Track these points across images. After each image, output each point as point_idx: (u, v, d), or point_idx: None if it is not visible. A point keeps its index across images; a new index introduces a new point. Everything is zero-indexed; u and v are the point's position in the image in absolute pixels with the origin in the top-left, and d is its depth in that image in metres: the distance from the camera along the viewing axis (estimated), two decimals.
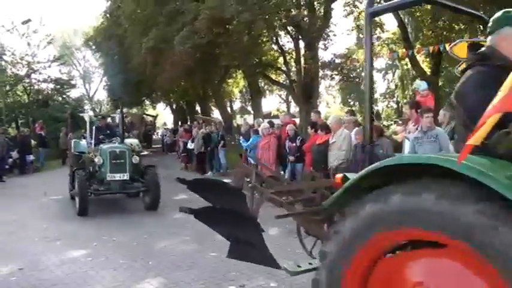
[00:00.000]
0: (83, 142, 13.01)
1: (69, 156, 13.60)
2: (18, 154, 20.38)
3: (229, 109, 42.49)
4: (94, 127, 12.78)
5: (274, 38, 24.86)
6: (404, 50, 20.53)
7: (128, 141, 12.76)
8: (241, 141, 13.77)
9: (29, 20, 28.19)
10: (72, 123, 14.36)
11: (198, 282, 5.97)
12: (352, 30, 26.95)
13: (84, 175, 10.73)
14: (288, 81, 26.52)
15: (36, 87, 34.29)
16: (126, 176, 10.87)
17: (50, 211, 11.40)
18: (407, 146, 8.55)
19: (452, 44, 8.63)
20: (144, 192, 11.31)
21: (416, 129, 8.08)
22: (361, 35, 26.79)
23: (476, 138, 2.25)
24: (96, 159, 10.99)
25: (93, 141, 12.23)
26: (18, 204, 12.33)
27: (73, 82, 38.95)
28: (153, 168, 11.58)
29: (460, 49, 8.56)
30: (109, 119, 15.13)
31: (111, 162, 10.82)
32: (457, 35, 21.64)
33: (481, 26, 20.71)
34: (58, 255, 7.40)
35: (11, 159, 20.01)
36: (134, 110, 41.83)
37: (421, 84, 10.26)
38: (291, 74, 25.62)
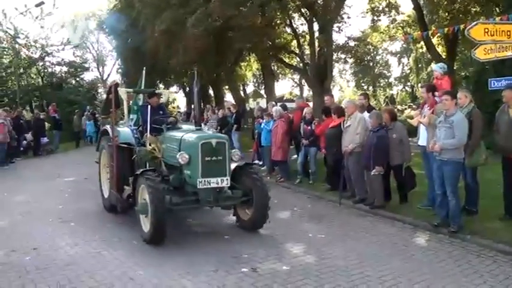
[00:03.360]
0: (124, 128, 9.14)
1: (105, 149, 9.28)
2: (32, 136, 20.54)
3: (242, 93, 42.44)
4: (140, 107, 9.48)
5: (288, 21, 24.66)
6: (419, 32, 20.27)
7: (185, 127, 8.67)
8: (263, 125, 13.44)
9: (42, 3, 28.17)
10: (116, 100, 8.95)
11: (211, 264, 5.98)
12: (367, 12, 26.67)
13: (163, 184, 7.04)
14: (301, 64, 26.34)
15: (50, 70, 34.48)
16: (226, 182, 7.09)
17: (64, 192, 11.45)
18: (422, 131, 8.41)
19: (469, 27, 8.51)
20: (241, 204, 7.71)
21: (432, 112, 7.92)
22: (375, 18, 26.53)
23: None
24: (178, 157, 7.08)
25: (148, 127, 8.44)
26: (33, 186, 12.44)
27: (86, 65, 39.09)
28: (253, 168, 7.93)
29: (476, 32, 8.42)
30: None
31: (204, 160, 6.97)
32: (473, 17, 21.33)
33: (497, 9, 20.41)
34: (72, 236, 7.46)
35: (25, 142, 20.19)
36: None
37: (436, 68, 9.92)
38: (305, 57, 25.44)
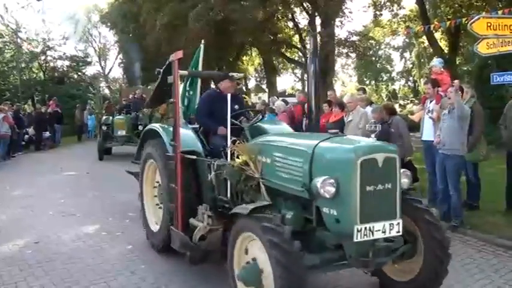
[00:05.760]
0: (187, 132, 5.89)
1: (154, 160, 6.28)
2: (34, 131, 20.57)
3: (244, 87, 42.39)
4: (208, 95, 6.44)
5: (290, 15, 24.63)
6: (421, 26, 20.22)
7: (276, 127, 6.26)
8: None
9: None
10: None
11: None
12: (369, 7, 26.61)
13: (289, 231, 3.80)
14: (303, 58, 26.32)
15: (51, 64, 34.49)
16: (397, 228, 3.95)
17: (66, 186, 11.46)
18: (426, 126, 8.31)
19: (471, 21, 8.47)
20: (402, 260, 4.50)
21: (440, 107, 7.87)
22: (377, 12, 26.46)
23: None
24: (319, 186, 3.81)
25: (229, 127, 5.24)
26: (35, 180, 12.46)
27: (88, 59, 39.07)
28: (414, 195, 4.79)
29: (478, 26, 8.37)
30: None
31: (365, 190, 3.82)
32: (475, 11, 21.25)
33: (500, 3, 20.33)
34: (73, 230, 7.47)
35: (27, 136, 20.23)
36: (149, 87, 41.67)
37: (436, 64, 9.90)
38: (307, 51, 25.40)
